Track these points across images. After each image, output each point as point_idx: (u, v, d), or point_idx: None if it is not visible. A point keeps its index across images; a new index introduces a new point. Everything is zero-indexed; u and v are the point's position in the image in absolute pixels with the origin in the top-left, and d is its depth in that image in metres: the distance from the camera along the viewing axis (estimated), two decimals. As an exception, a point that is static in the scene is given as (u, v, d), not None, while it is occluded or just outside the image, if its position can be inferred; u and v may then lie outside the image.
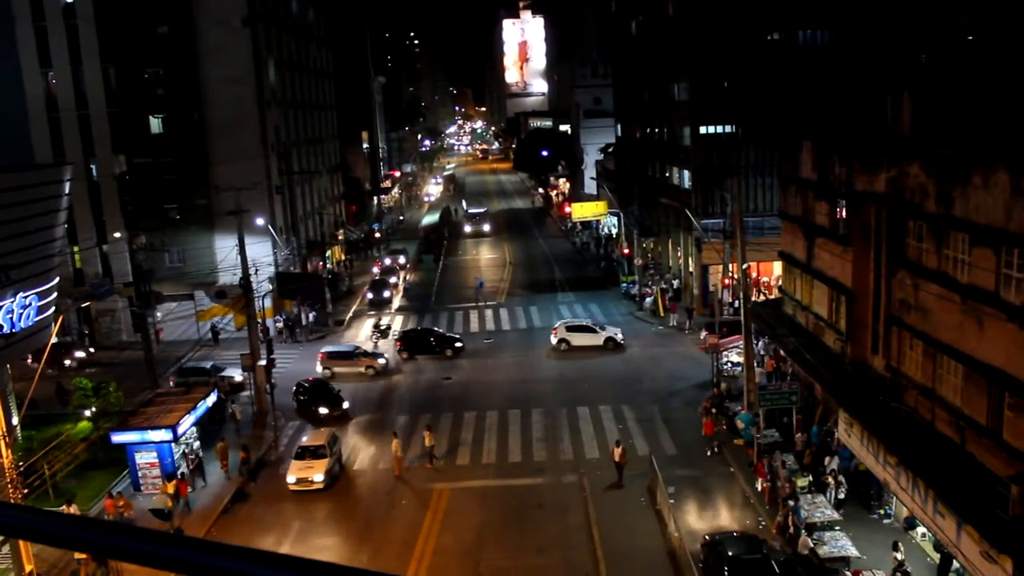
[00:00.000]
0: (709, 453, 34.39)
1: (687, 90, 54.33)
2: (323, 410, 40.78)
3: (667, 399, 40.91)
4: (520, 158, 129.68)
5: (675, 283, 60.40)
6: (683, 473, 32.78)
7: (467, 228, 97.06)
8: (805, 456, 31.77)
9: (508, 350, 51.15)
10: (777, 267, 45.10)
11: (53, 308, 36.12)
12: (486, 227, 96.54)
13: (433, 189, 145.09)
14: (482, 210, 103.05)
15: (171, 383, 44.25)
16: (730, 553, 24.09)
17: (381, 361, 48.05)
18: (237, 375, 45.66)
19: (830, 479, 29.28)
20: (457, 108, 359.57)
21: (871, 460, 26.64)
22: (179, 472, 33.29)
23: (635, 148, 72.19)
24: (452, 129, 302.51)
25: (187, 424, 34.16)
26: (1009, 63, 23.30)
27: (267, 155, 57.04)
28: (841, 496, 29.07)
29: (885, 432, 24.99)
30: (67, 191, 37.13)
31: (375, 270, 71.60)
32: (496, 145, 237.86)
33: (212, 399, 37.74)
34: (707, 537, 26.10)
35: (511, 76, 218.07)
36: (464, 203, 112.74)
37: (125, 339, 55.56)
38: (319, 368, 47.59)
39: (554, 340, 49.98)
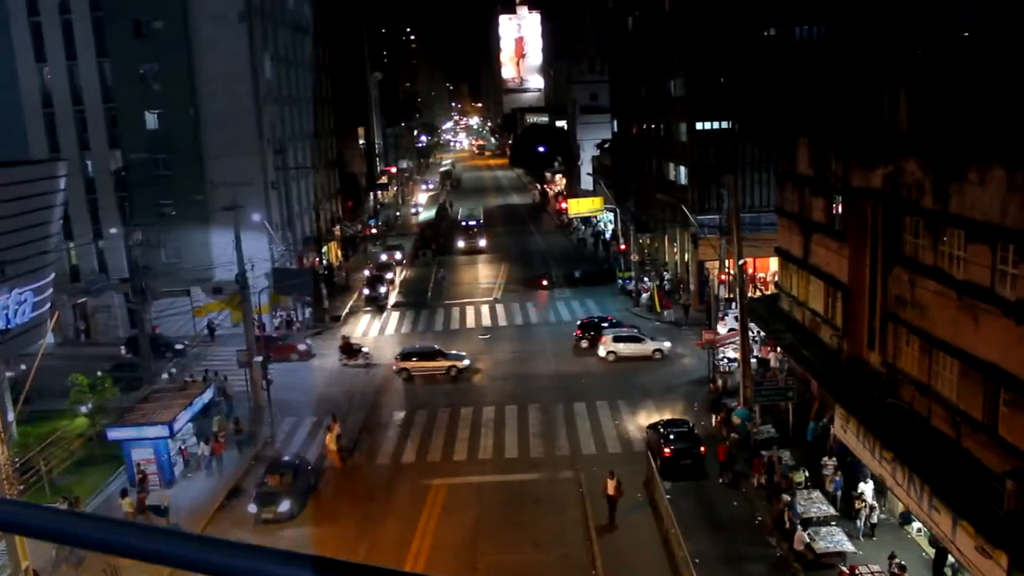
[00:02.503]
0: (722, 481, 31.79)
1: (684, 86, 54.32)
2: (251, 508, 30.71)
3: (663, 395, 40.94)
4: (516, 154, 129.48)
5: (666, 276, 60.57)
6: (683, 477, 32.74)
7: (460, 243, 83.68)
8: (827, 482, 29.48)
9: (505, 346, 51.16)
10: (773, 263, 45.16)
11: (49, 304, 36.07)
12: (482, 242, 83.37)
13: (423, 198, 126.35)
14: (477, 221, 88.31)
15: (395, 367, 45.75)
16: (666, 430, 33.29)
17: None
18: (463, 362, 46.06)
19: (859, 504, 27.33)
20: (453, 104, 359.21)
21: (867, 456, 26.70)
22: (215, 433, 36.12)
23: (632, 144, 72.19)
24: (448, 125, 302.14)
25: (183, 420, 34.15)
26: (1006, 60, 23.34)
27: (263, 150, 56.91)
28: (874, 521, 27.14)
29: (881, 428, 25.04)
30: (62, 187, 37.08)
31: (366, 273, 68.73)
32: (492, 141, 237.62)
33: (208, 395, 37.73)
34: (650, 424, 35.09)
35: (507, 72, 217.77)
36: (458, 212, 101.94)
37: (121, 335, 55.44)
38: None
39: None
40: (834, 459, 30.18)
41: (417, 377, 45.26)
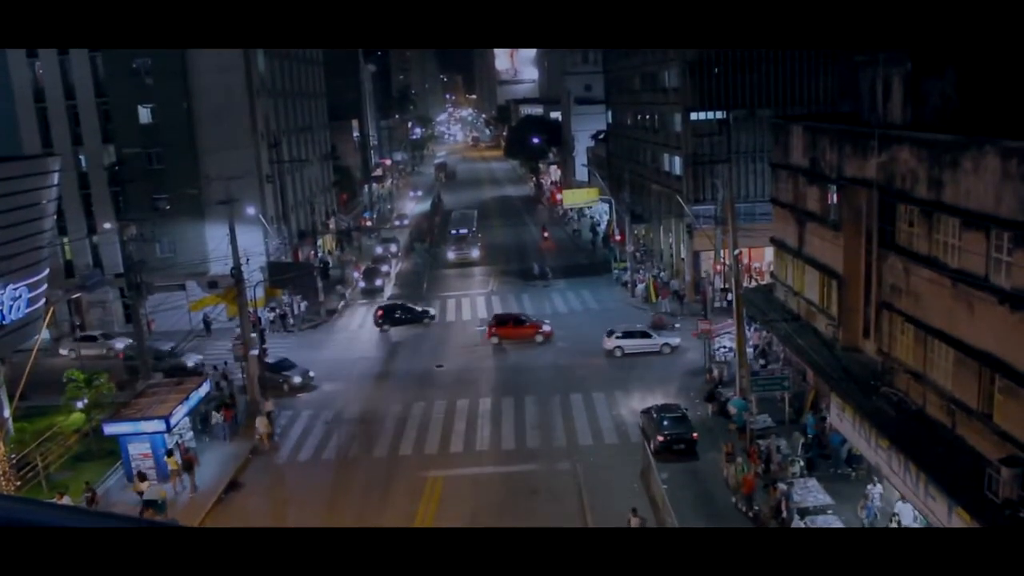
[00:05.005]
0: (747, 514, 28.84)
1: (678, 76, 54.25)
2: None
3: (660, 385, 40.99)
4: (511, 145, 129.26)
5: (661, 269, 60.53)
6: (676, 459, 32.88)
7: (449, 254, 75.21)
8: (858, 508, 27.51)
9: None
10: (768, 253, 45.22)
11: (43, 300, 36.00)
12: (475, 252, 75.12)
13: (410, 206, 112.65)
14: (469, 230, 79.25)
15: (609, 346, 45.49)
16: (659, 415, 34.29)
17: None
18: (674, 340, 45.79)
19: (893, 524, 25.83)
20: (448, 96, 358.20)
21: (863, 444, 26.77)
22: (225, 397, 39.72)
23: (626, 135, 72.11)
24: (443, 117, 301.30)
25: (180, 414, 34.12)
26: (999, 49, 23.36)
27: (257, 144, 56.79)
28: None
29: (876, 416, 25.12)
30: (56, 182, 36.94)
31: (355, 275, 67.41)
32: (487, 132, 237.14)
33: (204, 390, 37.70)
34: (643, 409, 35.93)
35: (501, 63, 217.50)
36: (450, 213, 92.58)
37: (117, 330, 55.37)
38: None
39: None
40: (879, 486, 27.46)
41: (630, 354, 45.22)
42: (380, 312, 54.93)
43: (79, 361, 45.04)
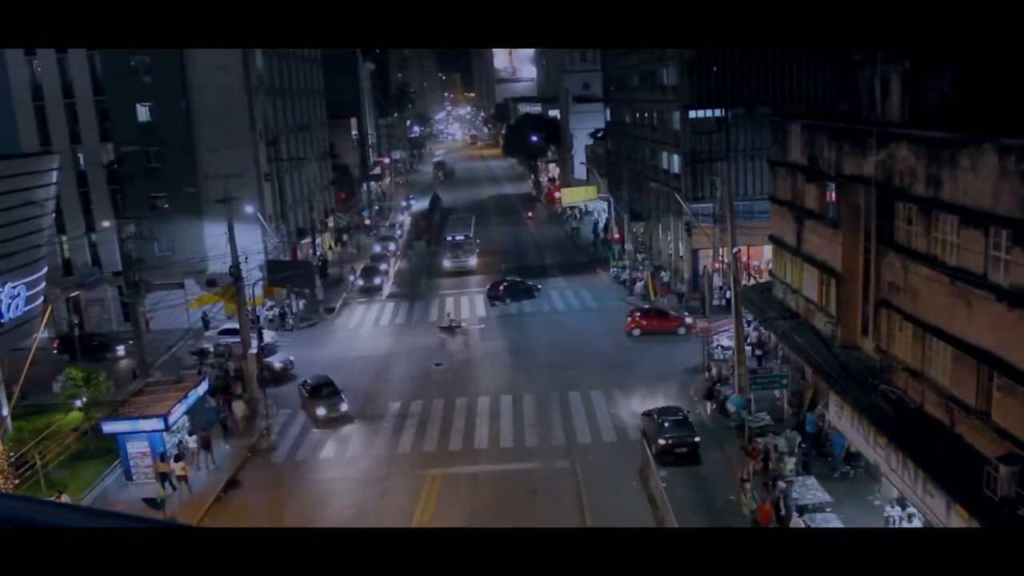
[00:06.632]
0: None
1: (676, 74, 54.24)
2: None
3: (658, 383, 41.01)
4: (510, 144, 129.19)
5: (663, 270, 60.52)
6: (678, 463, 32.83)
7: (446, 262, 70.03)
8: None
9: (499, 336, 51.19)
10: (767, 251, 45.23)
11: (42, 298, 36.02)
12: (472, 260, 69.61)
13: (402, 216, 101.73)
14: (466, 236, 71.99)
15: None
16: (661, 417, 33.51)
17: None
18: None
19: None
20: (446, 95, 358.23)
21: (862, 442, 26.80)
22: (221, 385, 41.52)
23: (625, 133, 72.10)
24: (441, 115, 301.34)
25: (179, 413, 34.13)
26: (997, 47, 23.37)
27: (255, 142, 56.75)
28: None
29: (875, 414, 25.14)
30: (54, 180, 36.97)
31: (352, 277, 66.53)
32: (485, 131, 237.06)
33: (203, 388, 37.72)
34: (644, 412, 35.27)
35: (500, 61, 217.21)
36: (446, 217, 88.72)
37: (115, 328, 55.36)
38: None
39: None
40: (908, 510, 25.97)
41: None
42: (502, 287, 58.97)
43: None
